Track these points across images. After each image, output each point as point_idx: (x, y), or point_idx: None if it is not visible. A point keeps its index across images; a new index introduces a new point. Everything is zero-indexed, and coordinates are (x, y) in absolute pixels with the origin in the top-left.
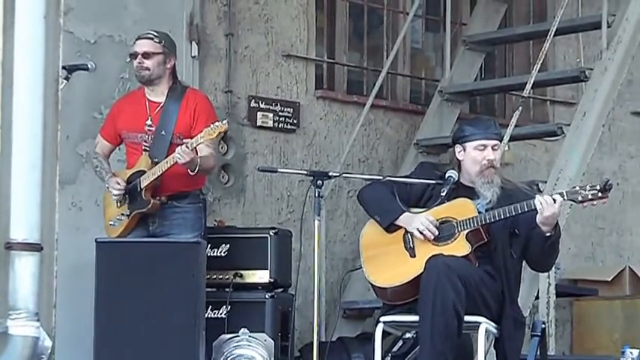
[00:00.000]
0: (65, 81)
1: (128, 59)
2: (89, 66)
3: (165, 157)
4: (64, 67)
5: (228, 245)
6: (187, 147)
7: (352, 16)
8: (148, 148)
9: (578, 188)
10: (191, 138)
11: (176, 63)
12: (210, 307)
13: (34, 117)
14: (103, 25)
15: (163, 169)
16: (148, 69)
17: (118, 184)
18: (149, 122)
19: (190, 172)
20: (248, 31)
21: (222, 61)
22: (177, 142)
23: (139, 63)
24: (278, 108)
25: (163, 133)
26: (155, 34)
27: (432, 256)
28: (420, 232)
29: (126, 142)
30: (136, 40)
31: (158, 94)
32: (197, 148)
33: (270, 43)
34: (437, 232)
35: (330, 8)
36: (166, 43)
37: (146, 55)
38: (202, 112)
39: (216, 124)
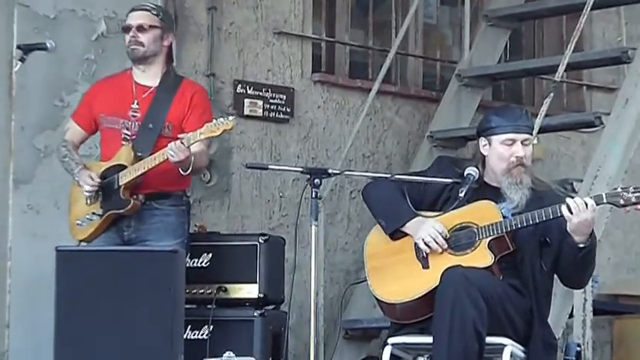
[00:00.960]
0: (20, 63)
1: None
2: (48, 45)
3: (151, 152)
4: (18, 47)
5: (210, 254)
6: (183, 143)
7: None
8: (128, 138)
9: (620, 190)
10: (182, 132)
11: (173, 42)
12: (189, 326)
13: None
14: None
15: (150, 166)
16: (142, 44)
17: (91, 178)
18: (135, 106)
19: (182, 172)
20: (233, 4)
21: (204, 39)
22: (167, 135)
23: (133, 37)
24: (269, 94)
25: (151, 126)
26: (152, 5)
27: (449, 267)
28: (426, 244)
29: (102, 130)
30: (130, 12)
31: (149, 77)
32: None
33: (259, 18)
34: (445, 245)
35: None
36: (164, 17)
37: (141, 29)
38: (198, 105)
39: (221, 119)
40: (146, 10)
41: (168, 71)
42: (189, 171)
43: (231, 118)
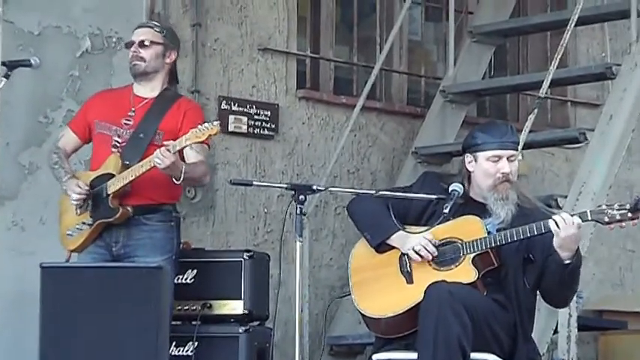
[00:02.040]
0: (5, 79)
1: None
2: (33, 62)
3: (140, 160)
4: (3, 64)
5: (195, 271)
6: (169, 150)
7: (340, 2)
8: (118, 145)
9: (604, 207)
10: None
11: (177, 61)
12: (174, 342)
13: None
14: (48, 15)
15: (137, 174)
16: (143, 59)
17: (79, 187)
18: (131, 114)
19: (175, 181)
20: (218, 20)
21: (188, 55)
22: (158, 144)
23: (134, 52)
24: (253, 110)
25: (142, 135)
26: (157, 23)
27: (433, 282)
28: (416, 252)
29: (94, 136)
30: (135, 29)
31: (147, 90)
32: (185, 154)
33: (243, 34)
34: (436, 253)
35: None
36: (168, 34)
37: (142, 44)
38: (193, 120)
39: (206, 124)
40: (150, 26)
41: (169, 87)
42: (181, 179)
43: (215, 122)
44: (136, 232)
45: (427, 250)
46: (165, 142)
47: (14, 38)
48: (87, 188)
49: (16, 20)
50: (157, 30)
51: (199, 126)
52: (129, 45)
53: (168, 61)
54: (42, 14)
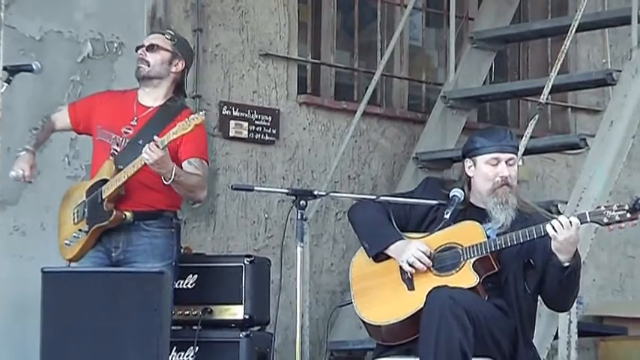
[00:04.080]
0: (6, 84)
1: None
2: (34, 67)
3: None
4: (4, 68)
5: (195, 276)
6: (158, 145)
7: (341, 8)
8: (115, 154)
9: (603, 208)
10: (177, 160)
11: (187, 72)
12: (174, 347)
13: None
14: (50, 20)
15: (129, 174)
16: (147, 63)
17: (28, 164)
18: (133, 123)
19: (165, 181)
20: (219, 26)
21: None
22: None
23: (140, 55)
24: (254, 116)
25: (140, 142)
26: (171, 32)
27: (434, 288)
28: (410, 265)
29: (95, 142)
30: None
31: (151, 99)
32: (183, 168)
33: (244, 40)
34: (430, 264)
35: (314, 0)
36: (179, 44)
37: (150, 48)
38: (194, 136)
39: (192, 116)
40: (161, 33)
41: (174, 99)
42: (171, 180)
43: (201, 112)
44: (136, 238)
45: (421, 262)
46: (154, 138)
47: (16, 43)
48: (28, 173)
49: (17, 25)
50: (168, 37)
51: (186, 119)
52: (138, 49)
53: (174, 69)
54: (43, 19)
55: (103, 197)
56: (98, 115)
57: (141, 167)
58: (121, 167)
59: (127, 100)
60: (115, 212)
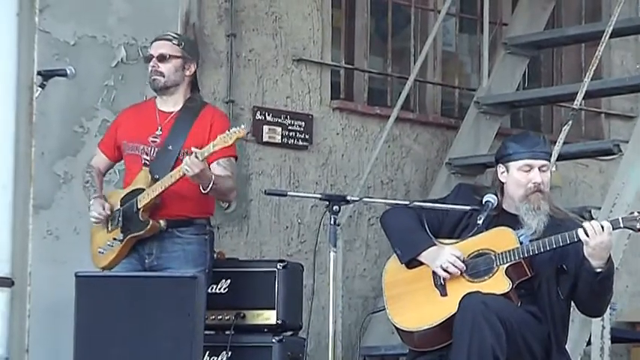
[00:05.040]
0: (40, 89)
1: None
2: (68, 71)
3: (169, 172)
4: (39, 73)
5: (228, 281)
6: (197, 157)
7: (374, 14)
8: (147, 163)
9: (636, 214)
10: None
11: (197, 71)
12: (207, 352)
13: (4, 130)
14: (84, 24)
15: (166, 185)
16: (162, 74)
17: (103, 208)
18: (158, 132)
19: (203, 190)
20: (253, 31)
21: (223, 66)
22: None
23: (153, 67)
24: (287, 121)
25: (170, 147)
26: (174, 35)
27: (467, 294)
28: (444, 270)
29: (125, 157)
30: (153, 42)
31: (170, 104)
32: (211, 169)
33: (278, 45)
34: (464, 268)
35: (348, 5)
36: (187, 46)
37: (161, 58)
38: (221, 128)
39: (234, 129)
40: (167, 39)
41: (192, 98)
42: (209, 188)
43: (243, 126)
44: (170, 245)
45: (455, 267)
46: (193, 149)
47: (50, 48)
48: (108, 211)
49: (51, 30)
50: (175, 42)
51: (227, 131)
52: (148, 59)
53: (187, 73)
54: (77, 24)
55: (139, 207)
56: (122, 133)
57: (179, 178)
58: (157, 177)
59: (148, 110)
60: (151, 222)
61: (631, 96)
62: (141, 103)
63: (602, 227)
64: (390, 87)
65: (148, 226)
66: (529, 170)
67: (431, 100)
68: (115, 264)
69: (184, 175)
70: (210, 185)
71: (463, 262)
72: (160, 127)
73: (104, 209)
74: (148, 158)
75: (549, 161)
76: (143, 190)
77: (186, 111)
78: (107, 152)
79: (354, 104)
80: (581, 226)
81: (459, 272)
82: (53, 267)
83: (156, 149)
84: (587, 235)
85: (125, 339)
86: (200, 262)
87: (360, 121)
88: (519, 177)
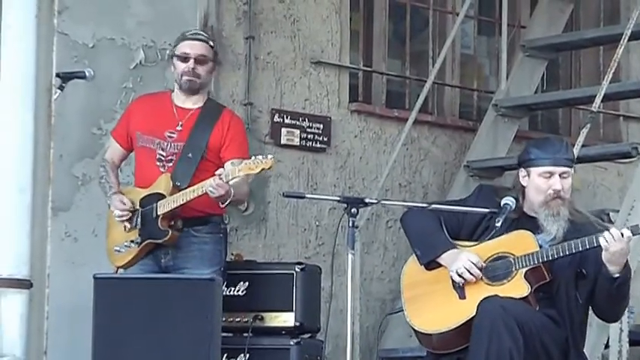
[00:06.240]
0: (59, 91)
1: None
2: (87, 73)
3: (190, 181)
4: (57, 75)
5: (247, 283)
6: (222, 179)
7: (393, 17)
8: (163, 159)
9: None
10: (219, 161)
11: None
12: (225, 354)
13: (23, 133)
14: (102, 27)
15: (188, 199)
16: (199, 76)
17: (123, 203)
18: (179, 127)
19: (222, 205)
20: (271, 34)
21: (242, 68)
22: (205, 160)
23: (192, 69)
24: (306, 123)
25: (190, 155)
26: (206, 35)
27: (486, 297)
28: (459, 275)
29: (136, 148)
30: (185, 39)
31: (190, 102)
32: (224, 164)
33: (296, 48)
34: (480, 276)
35: (366, 8)
36: (216, 48)
37: (201, 61)
38: (237, 136)
39: (260, 158)
40: (204, 41)
41: (210, 99)
42: (227, 202)
43: (270, 157)
44: (186, 245)
45: (470, 273)
46: (217, 172)
47: (68, 50)
48: (130, 205)
49: (70, 32)
50: (211, 45)
51: (253, 158)
52: (184, 59)
53: (214, 75)
54: (96, 26)
55: (159, 213)
56: (135, 122)
57: (201, 194)
58: (178, 184)
59: (164, 103)
60: (170, 232)
61: None
62: (155, 94)
63: (622, 234)
64: (408, 89)
65: (167, 237)
66: (550, 177)
67: (449, 103)
68: (130, 265)
69: (206, 193)
70: (229, 200)
71: (480, 267)
72: (180, 124)
73: (125, 204)
74: (164, 154)
75: (571, 167)
76: (163, 196)
77: (206, 111)
78: (121, 141)
79: (372, 107)
80: (601, 232)
81: (474, 279)
82: (72, 269)
83: (173, 145)
84: (607, 242)
85: (143, 341)
86: (216, 262)
87: (379, 123)
88: (540, 183)
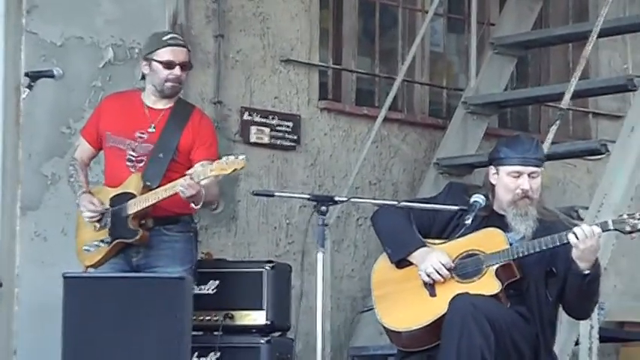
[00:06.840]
0: (28, 90)
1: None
2: (55, 72)
3: (160, 181)
4: (26, 74)
5: (217, 281)
6: (193, 179)
7: (362, 14)
8: (133, 159)
9: (625, 217)
10: (189, 163)
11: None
12: (196, 353)
13: None
14: (71, 25)
15: (159, 198)
16: (181, 82)
17: (93, 204)
18: (151, 129)
19: (194, 206)
20: (240, 32)
21: (211, 67)
22: (175, 162)
23: (177, 76)
24: (275, 122)
25: (161, 155)
26: (182, 39)
27: (457, 295)
28: (428, 275)
29: (106, 148)
30: (165, 45)
31: (161, 103)
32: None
33: (266, 46)
34: (449, 276)
35: (336, 6)
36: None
37: (184, 67)
38: (206, 137)
39: (231, 158)
40: (184, 46)
41: (180, 98)
42: (200, 204)
43: (241, 157)
44: (157, 243)
45: (439, 274)
46: (188, 172)
47: (37, 49)
48: (101, 207)
49: (39, 31)
50: (189, 49)
51: (225, 157)
52: (169, 65)
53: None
54: (65, 25)
55: (129, 213)
56: (105, 122)
57: (172, 195)
58: (149, 184)
59: (134, 103)
60: (141, 232)
61: (618, 96)
62: (124, 93)
63: (593, 231)
64: (377, 87)
65: (138, 236)
66: (518, 176)
67: (419, 101)
68: (100, 264)
69: (177, 193)
70: (201, 202)
71: (449, 268)
72: (153, 126)
73: (95, 205)
74: (135, 154)
75: (540, 167)
76: (134, 195)
77: (177, 112)
78: (90, 140)
79: (341, 105)
80: (571, 229)
81: (443, 280)
82: (41, 268)
83: (143, 145)
84: (577, 239)
85: (113, 340)
86: (187, 260)
87: (348, 121)
88: (508, 182)
